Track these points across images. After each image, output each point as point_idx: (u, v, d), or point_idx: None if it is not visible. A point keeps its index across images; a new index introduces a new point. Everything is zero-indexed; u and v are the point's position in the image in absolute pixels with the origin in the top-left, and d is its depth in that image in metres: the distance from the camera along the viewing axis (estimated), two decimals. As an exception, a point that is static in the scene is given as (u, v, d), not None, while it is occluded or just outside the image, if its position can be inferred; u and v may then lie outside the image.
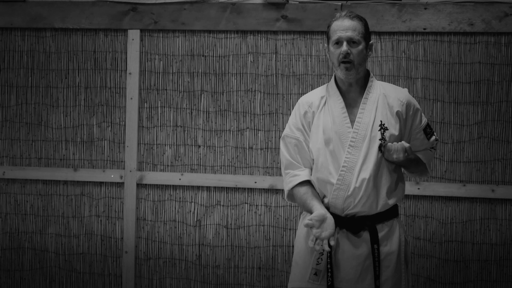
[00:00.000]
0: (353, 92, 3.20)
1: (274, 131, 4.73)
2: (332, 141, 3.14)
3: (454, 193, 4.53)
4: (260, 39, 4.73)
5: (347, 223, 3.14)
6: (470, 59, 4.54)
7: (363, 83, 3.21)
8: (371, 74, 3.26)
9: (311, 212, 3.09)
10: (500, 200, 4.48)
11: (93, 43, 4.89)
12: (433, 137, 3.29)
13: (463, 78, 4.55)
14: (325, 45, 3.24)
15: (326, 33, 3.21)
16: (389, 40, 4.58)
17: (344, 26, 3.12)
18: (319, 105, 3.22)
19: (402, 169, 3.29)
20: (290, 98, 4.71)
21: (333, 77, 3.27)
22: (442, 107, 4.55)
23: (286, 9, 4.65)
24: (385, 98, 3.18)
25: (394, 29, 4.56)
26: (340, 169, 3.11)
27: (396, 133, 3.15)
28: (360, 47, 3.12)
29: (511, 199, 4.48)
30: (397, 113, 3.17)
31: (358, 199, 3.11)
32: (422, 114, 3.28)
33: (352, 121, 3.16)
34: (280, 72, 4.72)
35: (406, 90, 3.29)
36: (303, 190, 3.15)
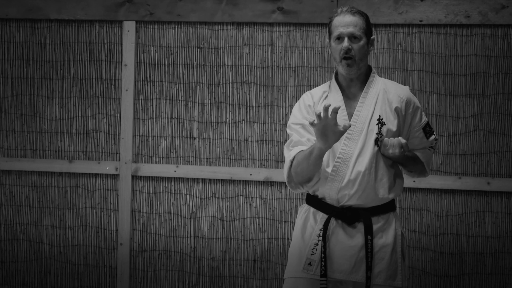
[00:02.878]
0: (353, 87, 3.20)
1: (269, 123, 4.69)
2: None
3: (450, 186, 4.48)
4: (256, 31, 4.68)
5: (343, 213, 3.12)
6: (467, 51, 4.49)
7: (364, 79, 3.21)
8: (373, 70, 3.25)
9: (319, 146, 2.97)
10: (495, 192, 4.45)
11: (88, 35, 4.84)
12: (433, 137, 3.27)
13: (459, 70, 4.51)
14: (327, 40, 3.24)
15: (328, 28, 3.20)
16: (385, 32, 4.55)
17: (345, 22, 3.11)
18: (320, 97, 3.22)
19: (401, 168, 3.27)
20: (286, 90, 4.66)
21: (334, 73, 3.27)
22: (438, 99, 4.51)
23: (282, 1, 4.61)
24: (385, 94, 3.17)
25: (390, 21, 4.52)
26: (335, 160, 3.08)
27: (394, 128, 3.14)
28: (361, 42, 3.12)
29: (507, 191, 4.44)
30: (396, 109, 3.16)
31: (354, 191, 3.09)
32: (423, 112, 3.27)
33: (350, 114, 3.15)
34: (275, 64, 4.67)
35: (407, 87, 3.28)
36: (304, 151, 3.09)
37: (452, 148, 4.50)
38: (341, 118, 3.10)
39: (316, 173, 3.10)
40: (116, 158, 4.81)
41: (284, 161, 3.26)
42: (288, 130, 3.24)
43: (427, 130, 3.25)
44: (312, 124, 2.87)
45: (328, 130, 2.87)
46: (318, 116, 2.84)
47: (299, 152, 3.09)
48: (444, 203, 4.50)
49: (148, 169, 4.76)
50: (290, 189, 3.21)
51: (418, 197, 4.52)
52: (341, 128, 2.87)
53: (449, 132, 4.50)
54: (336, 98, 3.17)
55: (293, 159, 3.11)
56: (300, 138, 3.14)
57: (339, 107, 2.85)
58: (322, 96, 3.22)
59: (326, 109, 2.82)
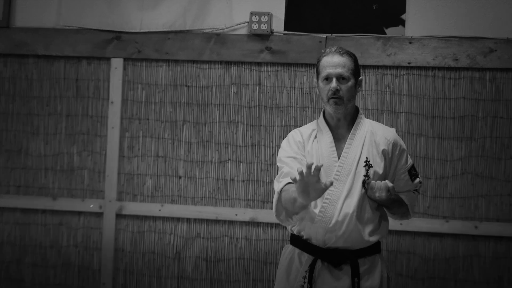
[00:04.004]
0: (341, 128, 3.18)
1: (256, 163, 4.65)
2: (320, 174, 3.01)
3: (437, 229, 4.43)
4: (244, 70, 4.68)
5: (329, 255, 3.08)
6: (455, 94, 4.48)
7: (351, 119, 3.19)
8: (360, 111, 3.24)
9: (301, 201, 2.91)
10: (483, 237, 4.40)
11: (75, 71, 4.82)
12: (417, 179, 3.26)
13: (447, 113, 4.49)
14: (314, 80, 3.23)
15: (316, 68, 3.18)
16: (373, 73, 4.54)
17: (333, 62, 3.10)
18: (310, 135, 3.20)
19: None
20: (273, 130, 4.64)
21: (322, 112, 3.24)
22: (425, 142, 4.49)
23: (270, 41, 4.61)
24: (372, 136, 3.17)
25: (379, 62, 4.52)
26: (323, 201, 3.05)
27: (381, 171, 3.13)
28: (350, 83, 3.11)
29: (494, 236, 4.38)
30: (383, 151, 3.15)
31: (340, 233, 3.05)
32: (408, 155, 3.26)
33: (340, 156, 3.13)
34: (263, 104, 4.65)
35: (394, 130, 3.27)
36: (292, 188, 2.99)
37: (440, 191, 4.47)
38: (331, 159, 3.11)
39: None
40: (100, 196, 4.75)
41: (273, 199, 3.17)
42: (278, 164, 3.20)
43: (412, 173, 3.23)
44: (294, 180, 2.78)
45: (310, 187, 2.78)
46: (300, 173, 2.75)
47: (288, 184, 3.04)
48: (431, 246, 4.45)
49: (133, 207, 4.70)
50: (279, 222, 3.15)
51: (405, 240, 4.46)
52: (323, 185, 2.77)
53: (436, 175, 4.47)
54: (326, 139, 3.16)
55: (281, 190, 3.07)
56: (290, 170, 3.09)
57: (321, 165, 2.76)
58: (312, 134, 3.20)
59: (309, 167, 2.74)
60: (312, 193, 2.80)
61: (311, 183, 2.77)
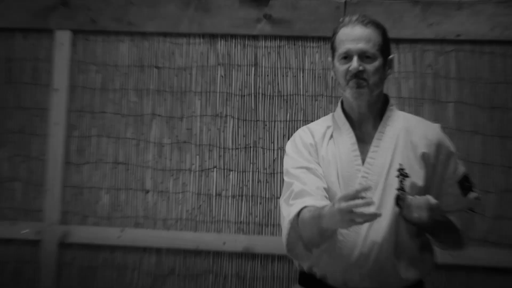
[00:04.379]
0: (365, 123, 2.97)
1: (251, 172, 4.31)
2: (339, 186, 2.91)
3: (501, 262, 4.08)
4: (235, 46, 4.41)
5: None
6: None
7: (379, 112, 2.98)
8: (391, 101, 3.00)
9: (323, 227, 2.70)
10: None
11: (7, 48, 4.54)
12: (473, 194, 2.96)
13: (510, 103, 4.16)
14: (329, 59, 3.01)
15: (331, 43, 2.97)
16: (410, 50, 4.26)
17: (354, 35, 2.90)
18: (324, 134, 3.02)
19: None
20: (274, 127, 4.32)
21: (339, 103, 3.04)
22: (483, 142, 4.17)
23: (270, 7, 4.35)
24: (407, 135, 2.93)
25: (417, 35, 4.23)
26: None
27: (420, 183, 2.85)
28: (376, 63, 2.89)
29: None
30: (423, 155, 2.89)
31: (367, 270, 2.79)
32: (459, 161, 2.99)
33: (362, 161, 2.92)
34: (260, 91, 4.35)
35: (438, 126, 3.02)
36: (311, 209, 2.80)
37: (504, 210, 4.10)
38: (354, 167, 2.88)
39: None
40: (37, 217, 4.39)
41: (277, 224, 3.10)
42: (285, 178, 2.99)
43: (465, 185, 2.94)
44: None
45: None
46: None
47: (305, 208, 2.79)
48: (494, 286, 4.09)
49: (82, 233, 4.34)
50: (292, 258, 2.94)
51: (457, 278, 4.12)
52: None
53: (498, 187, 4.12)
54: (346, 139, 2.93)
55: (294, 218, 2.82)
56: (303, 187, 2.87)
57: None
58: (326, 133, 3.01)
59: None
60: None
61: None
